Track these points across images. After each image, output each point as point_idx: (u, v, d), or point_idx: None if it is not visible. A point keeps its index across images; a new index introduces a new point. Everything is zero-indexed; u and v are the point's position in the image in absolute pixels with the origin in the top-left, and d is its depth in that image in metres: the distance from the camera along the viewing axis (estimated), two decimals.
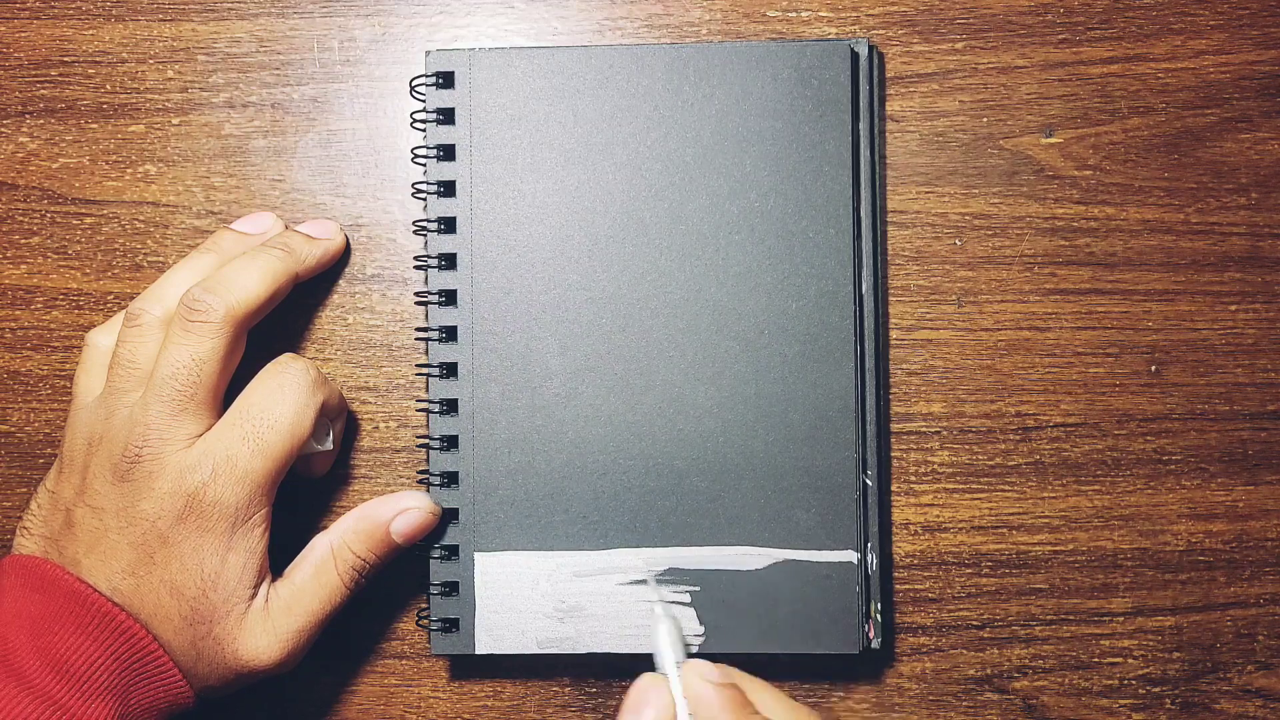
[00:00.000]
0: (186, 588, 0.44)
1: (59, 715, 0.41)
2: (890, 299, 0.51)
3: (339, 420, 0.50)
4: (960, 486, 0.51)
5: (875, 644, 0.48)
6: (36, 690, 0.42)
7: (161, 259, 0.51)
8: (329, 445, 0.49)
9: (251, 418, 0.45)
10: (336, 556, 0.47)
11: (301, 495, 0.50)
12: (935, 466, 0.50)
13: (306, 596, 0.46)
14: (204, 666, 0.45)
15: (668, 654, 0.45)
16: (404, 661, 0.51)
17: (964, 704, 0.50)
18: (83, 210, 0.51)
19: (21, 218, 0.52)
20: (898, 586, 0.51)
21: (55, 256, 0.51)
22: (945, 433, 0.50)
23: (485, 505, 0.49)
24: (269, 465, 0.45)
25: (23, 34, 0.52)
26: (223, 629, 0.45)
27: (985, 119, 0.51)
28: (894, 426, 0.51)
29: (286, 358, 0.47)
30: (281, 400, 0.46)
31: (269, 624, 0.45)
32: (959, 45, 0.51)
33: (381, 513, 0.48)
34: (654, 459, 0.48)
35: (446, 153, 0.49)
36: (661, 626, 0.46)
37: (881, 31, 0.51)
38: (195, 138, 0.51)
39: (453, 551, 0.49)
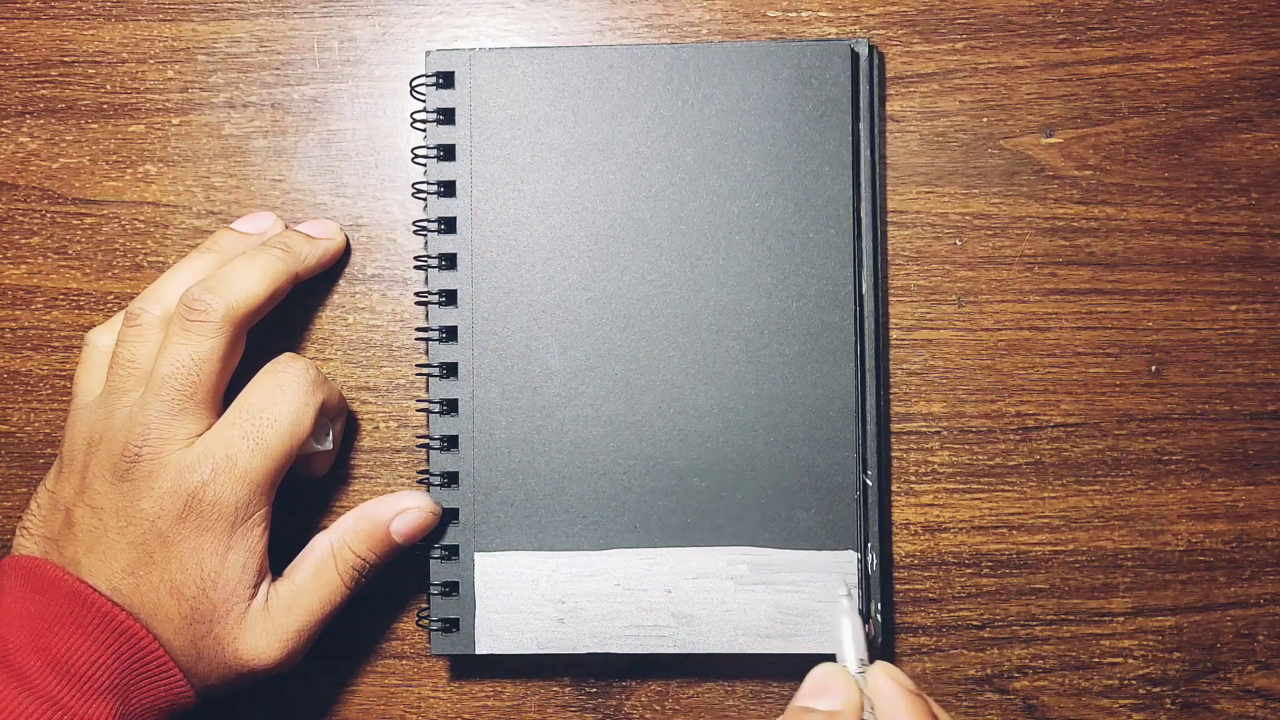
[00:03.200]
0: (186, 587, 0.44)
1: (60, 715, 0.41)
2: (890, 299, 0.51)
3: (339, 420, 0.50)
4: (960, 486, 0.51)
5: (875, 644, 0.48)
6: (37, 690, 0.42)
7: (161, 259, 0.51)
8: (329, 445, 0.49)
9: (251, 417, 0.45)
10: (337, 556, 0.47)
11: (301, 495, 0.50)
12: (935, 466, 0.50)
13: (306, 596, 0.46)
14: (204, 666, 0.45)
15: (851, 648, 0.45)
16: (404, 661, 0.51)
17: (964, 704, 0.50)
18: (83, 210, 0.51)
19: (21, 218, 0.52)
20: (898, 586, 0.51)
21: (55, 256, 0.51)
22: (945, 433, 0.50)
23: (485, 505, 0.49)
24: (269, 465, 0.45)
25: (23, 34, 0.52)
26: (223, 628, 0.45)
27: (985, 119, 0.51)
28: (894, 426, 0.51)
29: (286, 357, 0.47)
30: (281, 400, 0.46)
31: (269, 623, 0.45)
32: (959, 45, 0.51)
33: (381, 512, 0.48)
34: (654, 459, 0.48)
35: (446, 153, 0.49)
36: (846, 620, 0.46)
37: (882, 31, 0.51)
38: (195, 138, 0.51)
39: (453, 551, 0.49)
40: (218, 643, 0.45)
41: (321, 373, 0.47)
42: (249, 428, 0.45)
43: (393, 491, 0.50)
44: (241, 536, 0.45)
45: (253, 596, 0.45)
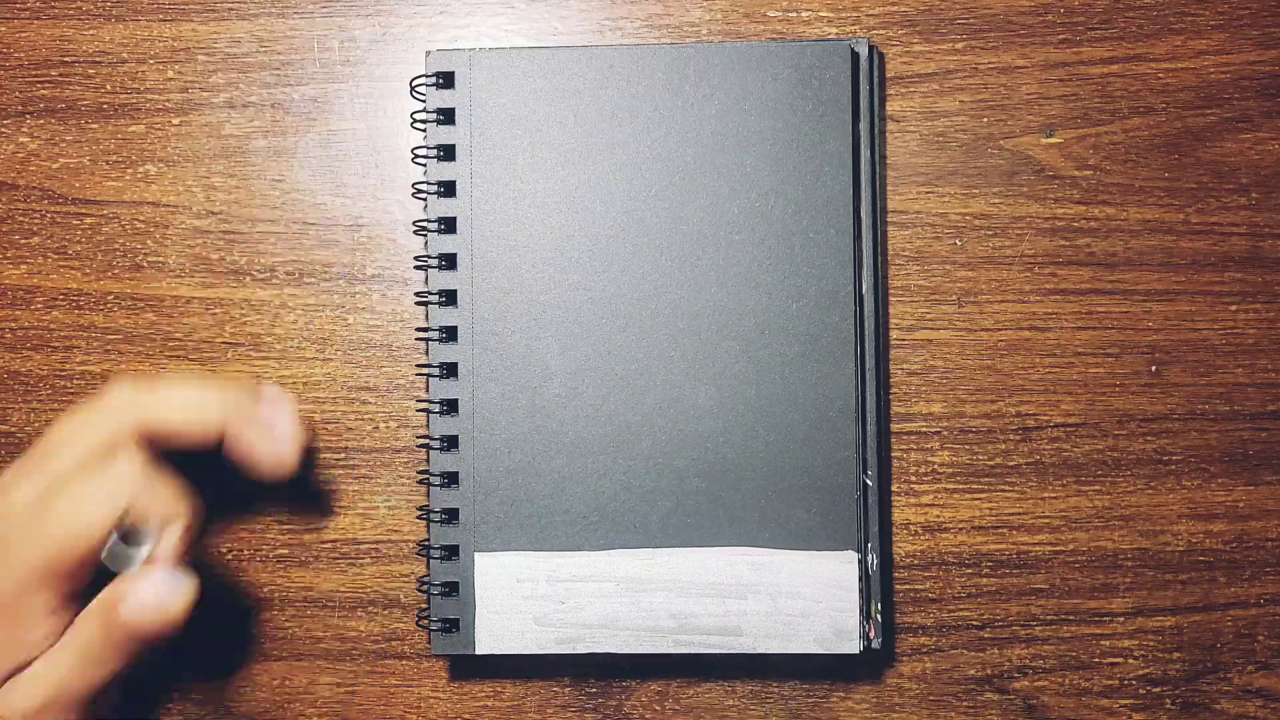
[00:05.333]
0: None
1: None
2: (890, 299, 0.51)
3: (176, 526, 0.43)
4: (960, 486, 0.50)
5: (875, 644, 0.48)
6: None
7: (161, 259, 0.51)
8: (145, 552, 0.43)
9: (43, 457, 0.42)
10: (77, 631, 0.42)
11: (301, 496, 0.50)
12: (935, 466, 0.50)
13: (40, 676, 0.42)
14: None
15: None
16: (404, 662, 0.51)
17: (964, 704, 0.50)
18: (83, 210, 0.51)
19: (21, 218, 0.52)
20: (898, 586, 0.51)
21: (55, 256, 0.51)
22: (945, 433, 0.50)
23: (485, 505, 0.49)
24: (31, 558, 0.41)
25: (23, 34, 0.52)
26: None
27: (985, 119, 0.51)
28: (894, 426, 0.51)
29: (114, 433, 0.42)
30: (77, 439, 0.42)
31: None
32: (959, 45, 0.51)
33: (117, 594, 0.42)
34: (654, 459, 0.48)
35: (447, 153, 0.49)
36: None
37: (882, 31, 0.51)
38: (195, 138, 0.51)
39: (453, 551, 0.49)
40: None
41: (150, 469, 0.43)
42: (40, 480, 0.42)
43: (392, 492, 0.50)
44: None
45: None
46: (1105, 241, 0.51)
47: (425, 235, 0.49)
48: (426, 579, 0.49)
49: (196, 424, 0.44)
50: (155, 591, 0.42)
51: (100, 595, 0.42)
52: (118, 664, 0.42)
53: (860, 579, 0.48)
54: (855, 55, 0.49)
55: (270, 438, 0.44)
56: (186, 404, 0.44)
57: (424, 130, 0.50)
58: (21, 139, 0.52)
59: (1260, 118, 0.51)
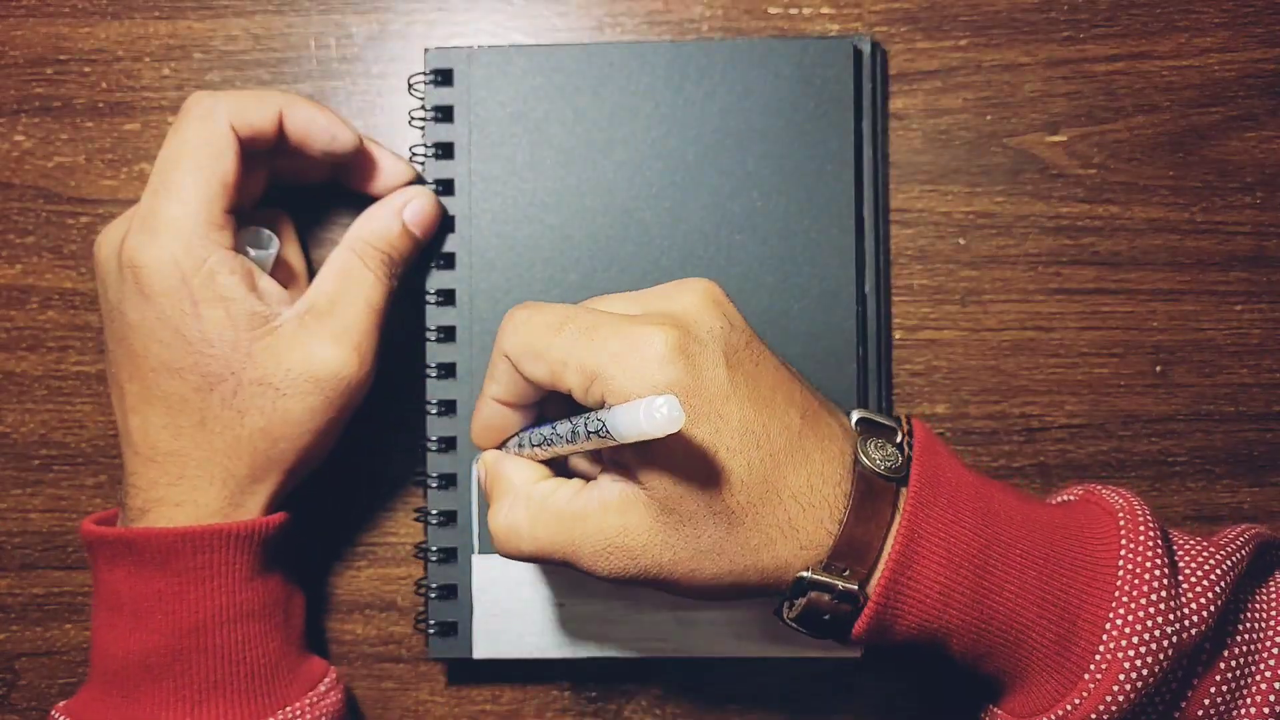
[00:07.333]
0: (178, 360, 0.43)
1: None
2: (894, 299, 0.50)
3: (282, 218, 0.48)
4: None
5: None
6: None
7: None
8: (272, 249, 0.47)
9: (157, 169, 0.44)
10: (361, 255, 0.46)
11: (299, 496, 0.50)
12: None
13: (343, 298, 0.45)
14: (257, 414, 0.44)
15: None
16: (401, 665, 0.50)
17: (967, 708, 0.50)
18: (78, 209, 0.51)
19: (16, 217, 0.51)
20: None
21: (50, 256, 0.51)
22: (949, 434, 0.50)
23: (483, 508, 0.48)
24: (187, 207, 0.43)
25: (18, 32, 0.51)
26: (257, 367, 0.43)
27: (989, 117, 0.50)
28: None
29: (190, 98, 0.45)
30: (177, 138, 0.44)
31: (311, 334, 0.44)
32: (963, 42, 0.50)
33: (388, 209, 0.47)
34: None
35: (445, 151, 0.49)
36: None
37: (884, 28, 0.50)
38: None
39: (450, 554, 0.48)
40: (261, 384, 0.44)
41: (239, 102, 0.45)
42: (156, 180, 0.44)
43: (392, 493, 0.49)
44: (204, 289, 0.43)
45: (267, 324, 0.44)
46: (1110, 240, 0.50)
47: None
48: (424, 581, 0.48)
49: (265, 111, 0.45)
50: (414, 192, 0.48)
51: (352, 234, 0.47)
52: (391, 280, 0.47)
53: None
54: (858, 52, 0.49)
55: (321, 112, 0.46)
56: (252, 96, 0.45)
57: (422, 128, 0.49)
58: (16, 137, 0.51)
59: (1265, 115, 0.50)
